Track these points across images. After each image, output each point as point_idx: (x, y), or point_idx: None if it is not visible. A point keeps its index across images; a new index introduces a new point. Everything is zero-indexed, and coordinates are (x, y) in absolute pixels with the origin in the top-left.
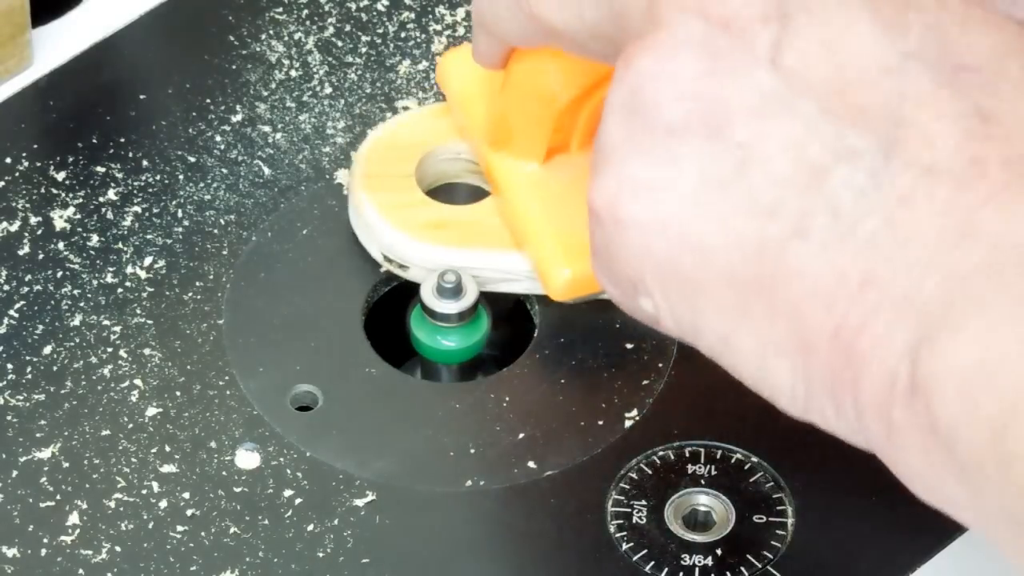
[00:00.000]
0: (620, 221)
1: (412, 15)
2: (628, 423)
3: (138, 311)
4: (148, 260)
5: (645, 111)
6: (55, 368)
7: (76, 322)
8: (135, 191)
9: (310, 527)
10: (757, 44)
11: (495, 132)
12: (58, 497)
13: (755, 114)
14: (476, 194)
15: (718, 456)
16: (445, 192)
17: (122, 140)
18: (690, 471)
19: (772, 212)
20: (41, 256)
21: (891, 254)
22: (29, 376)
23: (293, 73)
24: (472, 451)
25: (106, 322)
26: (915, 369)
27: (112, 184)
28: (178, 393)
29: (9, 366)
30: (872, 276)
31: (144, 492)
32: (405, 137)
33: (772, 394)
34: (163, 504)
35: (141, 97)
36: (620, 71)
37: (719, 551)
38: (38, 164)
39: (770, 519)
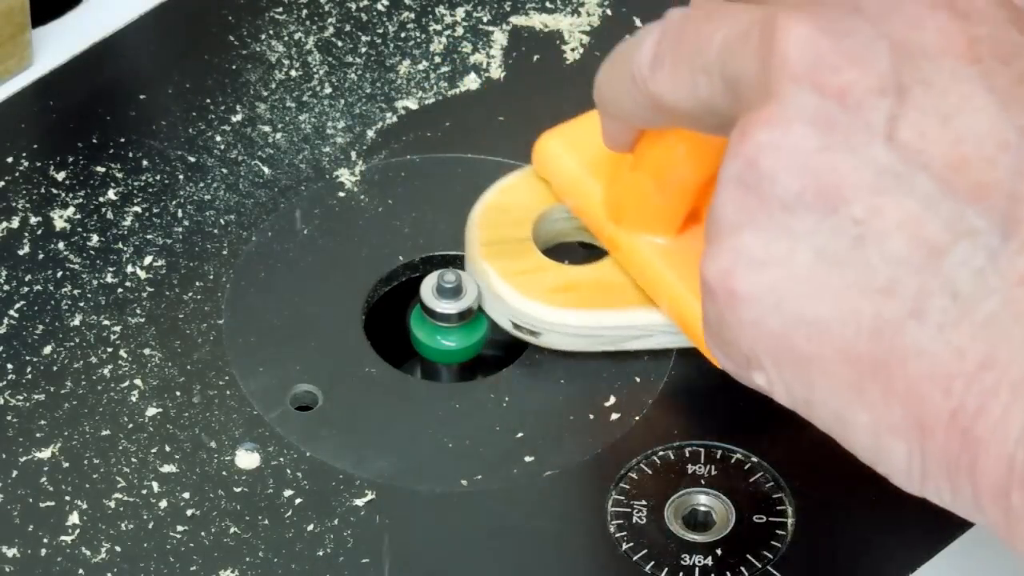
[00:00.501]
0: (734, 295)
1: (412, 15)
2: (628, 423)
3: (138, 311)
4: (148, 260)
5: (760, 185)
6: (55, 368)
7: (76, 322)
8: (135, 191)
9: (310, 527)
10: (873, 118)
11: (621, 211)
12: (58, 497)
13: (872, 190)
14: (591, 252)
15: (718, 456)
16: (559, 252)
17: (122, 140)
18: (690, 471)
19: (889, 291)
20: (41, 256)
21: (1010, 335)
22: (29, 376)
23: (293, 73)
24: (472, 451)
25: (106, 322)
26: None
27: (112, 184)
28: (178, 393)
29: (9, 366)
30: (990, 358)
31: (144, 492)
32: (513, 201)
33: (887, 471)
34: (163, 504)
35: (141, 97)
36: (735, 143)
37: (719, 551)
38: (38, 164)
39: (770, 519)
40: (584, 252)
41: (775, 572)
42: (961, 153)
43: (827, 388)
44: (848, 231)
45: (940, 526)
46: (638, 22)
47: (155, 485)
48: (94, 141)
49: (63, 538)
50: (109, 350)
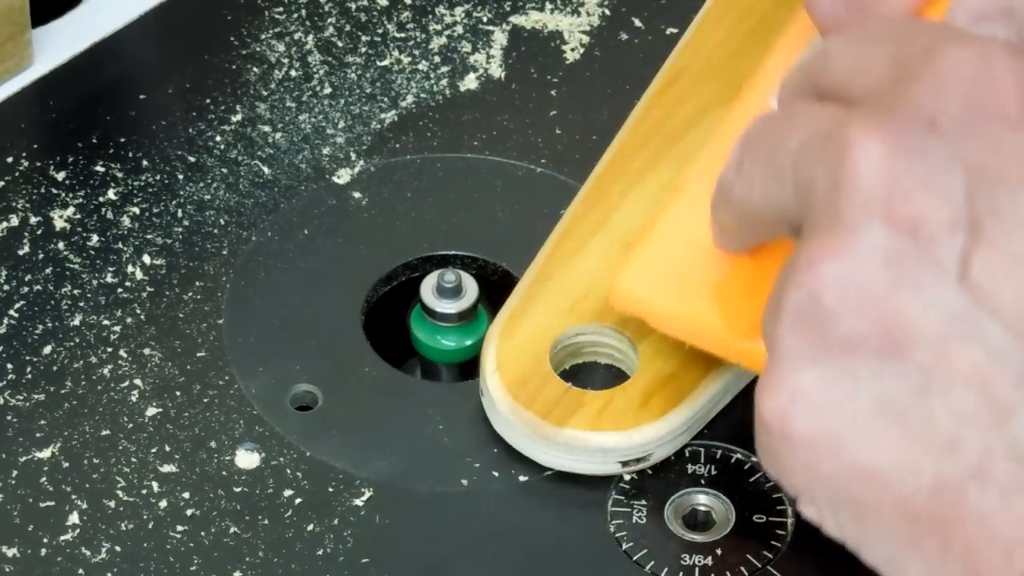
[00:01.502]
0: (789, 437)
1: (411, 15)
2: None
3: (138, 311)
4: (148, 260)
5: (823, 321)
6: (55, 368)
7: (76, 322)
8: (135, 191)
9: (310, 527)
10: (945, 255)
11: (747, 321)
12: (58, 497)
13: (940, 337)
14: (608, 369)
15: (718, 456)
16: (575, 375)
17: (122, 140)
18: (690, 471)
19: (952, 448)
20: (41, 256)
21: None
22: (29, 376)
23: (293, 73)
24: (472, 451)
25: (106, 322)
26: None
27: (112, 184)
28: (178, 393)
29: (9, 366)
30: None
31: (144, 492)
32: (534, 341)
33: None
34: (163, 504)
35: (141, 97)
36: (800, 271)
37: (719, 551)
38: (38, 164)
39: (770, 519)
40: (603, 371)
41: (775, 572)
42: None
43: (881, 536)
44: (912, 379)
45: None
46: (637, 22)
47: (155, 485)
48: (94, 141)
49: (63, 538)
50: (109, 350)
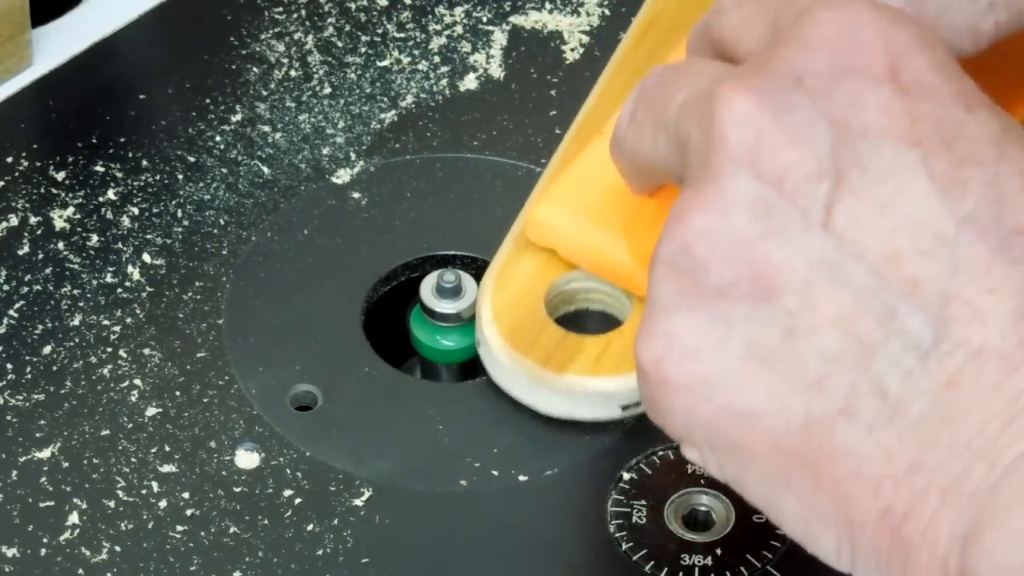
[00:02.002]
0: (665, 382)
1: (411, 14)
2: (628, 423)
3: (138, 311)
4: (148, 260)
5: (694, 270)
6: (55, 368)
7: (76, 322)
8: (135, 191)
9: (310, 527)
10: (810, 205)
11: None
12: (58, 497)
13: (805, 281)
14: (601, 315)
15: None
16: (569, 322)
17: (122, 140)
18: (690, 471)
19: (819, 387)
20: (41, 256)
21: (938, 439)
22: (29, 376)
23: (293, 73)
24: (472, 451)
25: (106, 322)
26: (964, 562)
27: (112, 184)
28: (178, 393)
29: (9, 366)
30: (919, 461)
31: (144, 492)
32: (516, 289)
33: (816, 554)
34: (163, 504)
35: (141, 97)
36: (671, 224)
37: (719, 551)
38: (38, 164)
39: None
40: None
41: (775, 572)
42: (897, 244)
43: (757, 474)
44: (781, 323)
45: None
46: None
47: (155, 485)
48: (94, 141)
49: (63, 538)
50: (109, 350)
